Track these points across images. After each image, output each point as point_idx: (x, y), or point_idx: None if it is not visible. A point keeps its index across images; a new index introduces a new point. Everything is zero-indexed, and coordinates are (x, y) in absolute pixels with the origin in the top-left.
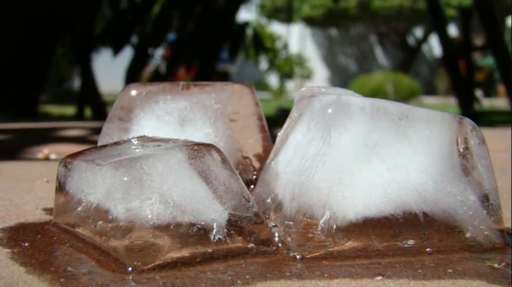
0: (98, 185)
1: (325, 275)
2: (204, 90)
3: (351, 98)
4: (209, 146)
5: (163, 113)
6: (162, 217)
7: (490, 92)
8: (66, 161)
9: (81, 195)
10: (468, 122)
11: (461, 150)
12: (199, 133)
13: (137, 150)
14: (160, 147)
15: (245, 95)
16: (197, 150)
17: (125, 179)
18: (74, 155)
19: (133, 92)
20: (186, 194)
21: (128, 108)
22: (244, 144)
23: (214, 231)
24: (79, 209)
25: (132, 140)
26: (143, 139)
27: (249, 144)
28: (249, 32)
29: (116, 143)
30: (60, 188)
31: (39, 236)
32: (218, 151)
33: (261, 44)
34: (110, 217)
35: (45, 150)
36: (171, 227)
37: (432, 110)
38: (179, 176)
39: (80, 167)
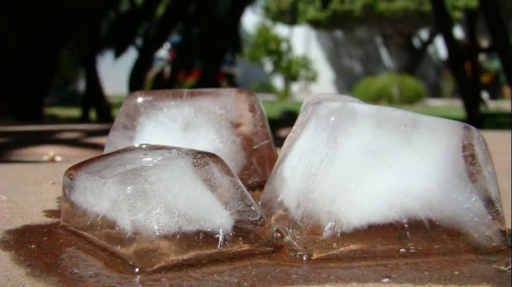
0: (104, 197)
1: (332, 277)
2: (207, 97)
3: (357, 105)
4: (213, 156)
5: (168, 120)
6: (168, 227)
7: (496, 94)
8: (70, 173)
9: (87, 205)
10: (473, 130)
11: (467, 157)
12: (204, 140)
13: (140, 160)
14: (163, 156)
15: (248, 102)
16: (200, 159)
17: (130, 191)
18: (77, 167)
19: (138, 100)
20: (191, 203)
21: (132, 116)
22: (248, 150)
23: (221, 236)
24: (85, 218)
25: (135, 149)
26: (146, 148)
27: (253, 150)
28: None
29: (119, 152)
30: (66, 198)
31: (45, 238)
32: (220, 159)
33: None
34: (117, 228)
35: (51, 152)
36: (178, 236)
37: (438, 118)
38: (183, 185)
39: (84, 179)
